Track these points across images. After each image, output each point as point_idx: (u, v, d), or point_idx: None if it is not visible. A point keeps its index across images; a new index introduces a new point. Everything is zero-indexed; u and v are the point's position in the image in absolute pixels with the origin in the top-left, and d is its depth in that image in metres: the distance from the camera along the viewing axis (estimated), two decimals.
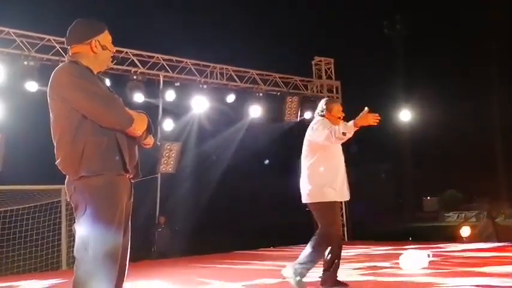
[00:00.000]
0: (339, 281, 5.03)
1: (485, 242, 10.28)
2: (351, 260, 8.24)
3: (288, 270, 4.90)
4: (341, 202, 5.20)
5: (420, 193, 13.65)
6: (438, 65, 12.34)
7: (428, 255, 6.72)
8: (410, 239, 11.49)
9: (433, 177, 12.86)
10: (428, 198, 14.34)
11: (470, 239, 10.74)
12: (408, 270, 6.47)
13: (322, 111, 5.26)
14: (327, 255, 4.99)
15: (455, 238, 10.94)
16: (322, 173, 5.06)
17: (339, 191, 5.05)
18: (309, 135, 5.17)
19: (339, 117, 5.22)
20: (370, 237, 11.40)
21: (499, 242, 10.09)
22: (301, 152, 5.29)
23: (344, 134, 4.76)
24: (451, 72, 12.27)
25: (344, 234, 14.09)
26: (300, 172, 5.28)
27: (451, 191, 13.79)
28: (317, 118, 5.27)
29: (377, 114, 4.77)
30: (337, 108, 5.29)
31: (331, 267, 4.99)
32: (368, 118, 4.69)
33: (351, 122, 4.75)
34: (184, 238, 11.40)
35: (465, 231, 11.05)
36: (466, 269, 6.34)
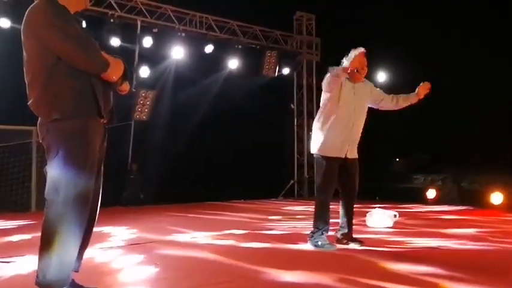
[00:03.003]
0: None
1: (449, 205, 10.60)
2: None
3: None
4: (343, 160, 5.00)
5: (389, 154, 13.88)
6: (416, 28, 12.31)
7: (395, 216, 6.92)
8: (377, 198, 11.74)
9: (403, 138, 13.03)
10: (397, 159, 14.64)
11: (435, 201, 11.03)
12: (374, 228, 6.66)
13: (343, 60, 5.14)
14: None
15: (421, 200, 11.22)
16: (321, 125, 5.01)
17: (334, 146, 4.95)
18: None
19: (356, 70, 4.95)
20: (338, 194, 11.59)
21: (462, 205, 10.43)
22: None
23: (337, 74, 4.81)
24: (428, 36, 12.28)
25: (314, 191, 14.35)
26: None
27: (419, 153, 14.07)
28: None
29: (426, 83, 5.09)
30: (357, 59, 5.04)
31: (314, 225, 5.00)
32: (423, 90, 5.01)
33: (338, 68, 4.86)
34: (157, 186, 11.40)
35: (431, 193, 11.32)
36: (429, 230, 6.55)
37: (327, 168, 4.96)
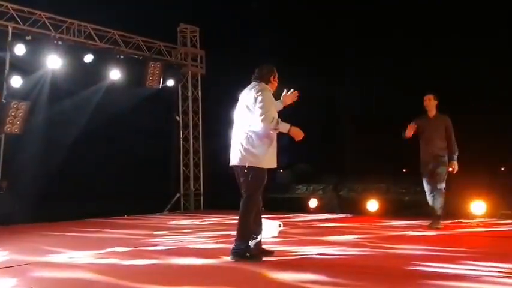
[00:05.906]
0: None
1: (330, 213, 11.08)
2: (206, 229, 8.39)
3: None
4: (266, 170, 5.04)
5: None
6: (302, 42, 12.84)
7: (280, 225, 7.07)
8: (262, 209, 11.92)
9: (287, 150, 13.50)
10: (281, 170, 15.05)
11: (317, 210, 11.45)
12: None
13: (267, 76, 5.10)
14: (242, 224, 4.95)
15: (304, 209, 11.59)
16: (261, 138, 4.91)
17: (271, 158, 5.01)
18: (251, 99, 4.90)
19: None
20: (225, 206, 11.66)
21: (342, 213, 10.96)
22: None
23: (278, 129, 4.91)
24: (309, 51, 12.87)
25: (200, 204, 14.30)
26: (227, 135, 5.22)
27: (302, 164, 14.62)
28: (260, 84, 5.03)
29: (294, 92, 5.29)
30: (276, 80, 5.20)
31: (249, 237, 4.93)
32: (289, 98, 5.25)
33: (287, 125, 4.91)
34: (31, 204, 10.59)
35: (313, 202, 11.72)
36: (312, 238, 6.77)
37: (263, 181, 4.99)
